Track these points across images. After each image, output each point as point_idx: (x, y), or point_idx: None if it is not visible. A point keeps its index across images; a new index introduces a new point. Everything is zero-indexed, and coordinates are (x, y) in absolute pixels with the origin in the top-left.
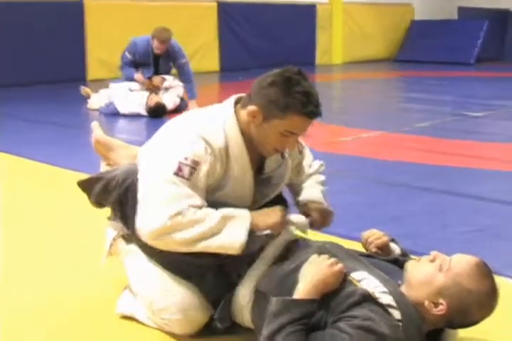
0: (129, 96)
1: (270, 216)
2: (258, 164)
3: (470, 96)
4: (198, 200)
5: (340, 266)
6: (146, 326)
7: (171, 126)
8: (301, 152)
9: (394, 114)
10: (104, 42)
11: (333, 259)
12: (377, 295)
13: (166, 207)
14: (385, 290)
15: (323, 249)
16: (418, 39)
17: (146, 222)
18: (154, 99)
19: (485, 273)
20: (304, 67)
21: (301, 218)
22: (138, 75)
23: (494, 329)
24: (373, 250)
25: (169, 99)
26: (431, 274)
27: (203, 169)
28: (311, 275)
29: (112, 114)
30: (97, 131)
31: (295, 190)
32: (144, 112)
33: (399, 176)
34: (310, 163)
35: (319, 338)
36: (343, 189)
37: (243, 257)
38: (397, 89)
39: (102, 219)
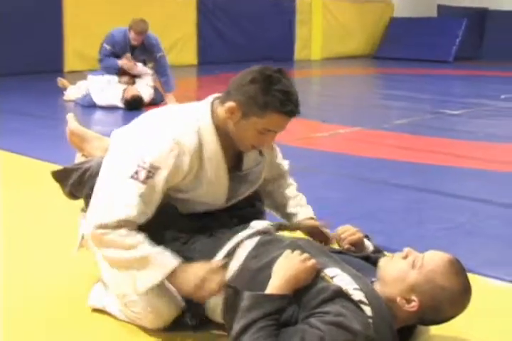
0: (106, 88)
1: (191, 277)
2: (235, 161)
3: (448, 94)
4: (136, 211)
5: (312, 261)
6: (117, 319)
7: (146, 121)
8: (273, 148)
9: (372, 111)
10: (82, 34)
11: (305, 255)
12: (350, 291)
13: (100, 215)
14: (357, 286)
15: (295, 245)
16: (397, 36)
17: (87, 222)
18: (131, 91)
19: (458, 270)
20: (282, 63)
21: (263, 223)
22: (123, 61)
23: (467, 326)
24: (346, 246)
25: (145, 91)
26: (404, 271)
27: (162, 174)
28: (284, 270)
29: (88, 105)
30: (71, 122)
31: (280, 200)
32: (120, 104)
33: (375, 173)
34: (281, 162)
35: (290, 334)
36: (318, 184)
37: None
38: (376, 85)
39: (78, 210)
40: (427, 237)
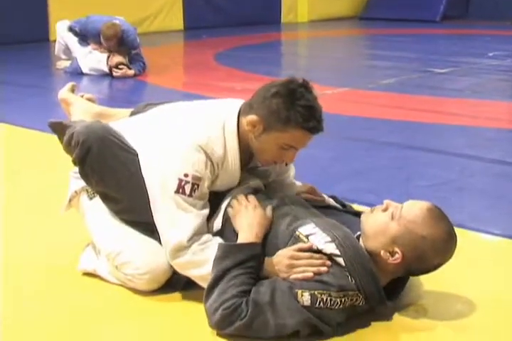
0: (91, 54)
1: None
2: (247, 159)
3: (435, 53)
4: (201, 220)
5: (258, 210)
6: (108, 283)
7: (171, 125)
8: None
9: (359, 71)
10: (67, 2)
11: (249, 203)
12: (320, 246)
13: (169, 239)
14: (329, 239)
15: (282, 202)
16: None
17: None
18: (115, 59)
19: (438, 217)
20: (269, 26)
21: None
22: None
23: (458, 280)
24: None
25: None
26: (384, 223)
27: (205, 184)
28: (243, 221)
29: (76, 73)
30: (63, 89)
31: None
32: (106, 69)
33: (363, 131)
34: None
35: (260, 287)
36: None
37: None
38: (363, 46)
39: (66, 175)
40: (416, 194)
